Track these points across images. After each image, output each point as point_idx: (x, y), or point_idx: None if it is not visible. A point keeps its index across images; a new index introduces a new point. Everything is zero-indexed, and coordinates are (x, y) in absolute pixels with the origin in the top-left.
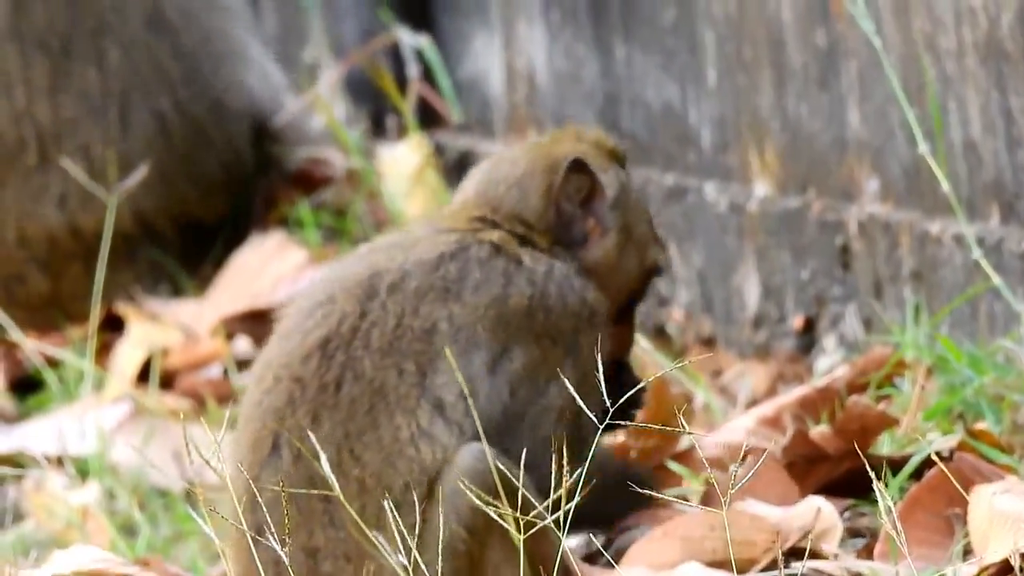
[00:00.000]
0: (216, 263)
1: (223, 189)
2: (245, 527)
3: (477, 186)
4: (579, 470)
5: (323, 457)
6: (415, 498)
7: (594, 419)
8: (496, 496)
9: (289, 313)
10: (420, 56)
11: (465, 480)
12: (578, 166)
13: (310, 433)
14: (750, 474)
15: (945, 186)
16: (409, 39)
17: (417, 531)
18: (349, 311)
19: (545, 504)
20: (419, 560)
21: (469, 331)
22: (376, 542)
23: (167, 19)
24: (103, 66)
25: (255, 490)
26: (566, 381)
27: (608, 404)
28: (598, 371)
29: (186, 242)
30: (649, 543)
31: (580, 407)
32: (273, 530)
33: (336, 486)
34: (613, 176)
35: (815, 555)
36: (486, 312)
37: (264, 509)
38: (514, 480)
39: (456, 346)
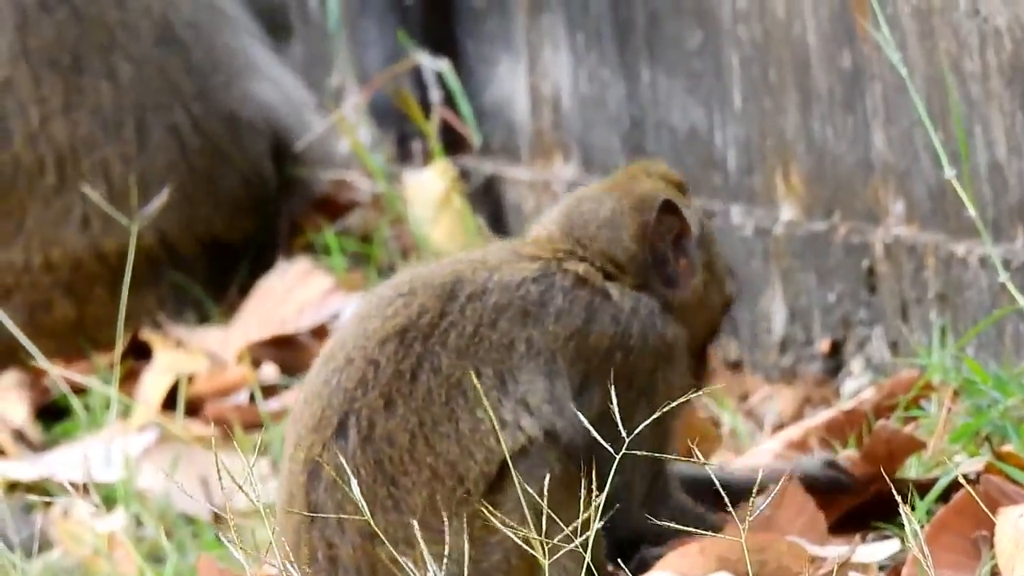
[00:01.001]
0: (241, 288)
1: (246, 210)
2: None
3: (561, 221)
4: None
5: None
6: (484, 486)
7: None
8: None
9: (368, 299)
10: (443, 82)
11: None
12: (668, 206)
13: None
14: (770, 498)
15: (972, 211)
16: (430, 62)
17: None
18: (429, 307)
19: (574, 526)
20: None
21: (547, 356)
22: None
23: (177, 34)
24: (116, 81)
25: (313, 470)
26: (644, 415)
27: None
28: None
29: (211, 265)
30: (682, 557)
31: (657, 439)
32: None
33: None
34: (695, 213)
35: None
36: (566, 343)
37: (324, 491)
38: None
39: (534, 364)
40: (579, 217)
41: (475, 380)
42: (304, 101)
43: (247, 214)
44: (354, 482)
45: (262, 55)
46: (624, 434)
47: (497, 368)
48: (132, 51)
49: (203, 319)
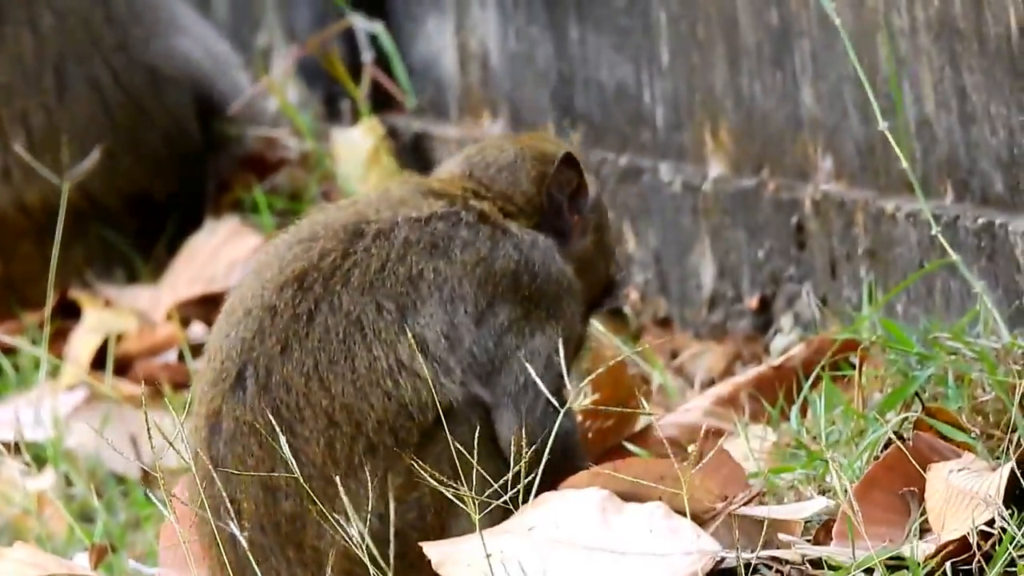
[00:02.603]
0: (170, 246)
1: (170, 165)
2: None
3: (464, 165)
4: (532, 449)
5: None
6: (392, 441)
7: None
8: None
9: (266, 249)
10: (374, 40)
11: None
12: (570, 161)
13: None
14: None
15: (904, 163)
16: (363, 24)
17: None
18: (331, 248)
19: (504, 479)
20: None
21: (455, 283)
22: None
23: None
24: (37, 31)
25: (214, 424)
26: (550, 334)
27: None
28: (574, 337)
29: (137, 221)
30: (595, 476)
31: (560, 361)
32: (230, 467)
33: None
34: (593, 180)
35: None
36: (473, 270)
37: (223, 444)
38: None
39: (440, 294)
40: (481, 160)
41: (372, 319)
42: (229, 59)
43: (171, 170)
44: (282, 438)
45: (185, 12)
46: (526, 345)
47: (400, 303)
48: (54, 1)
49: (131, 277)
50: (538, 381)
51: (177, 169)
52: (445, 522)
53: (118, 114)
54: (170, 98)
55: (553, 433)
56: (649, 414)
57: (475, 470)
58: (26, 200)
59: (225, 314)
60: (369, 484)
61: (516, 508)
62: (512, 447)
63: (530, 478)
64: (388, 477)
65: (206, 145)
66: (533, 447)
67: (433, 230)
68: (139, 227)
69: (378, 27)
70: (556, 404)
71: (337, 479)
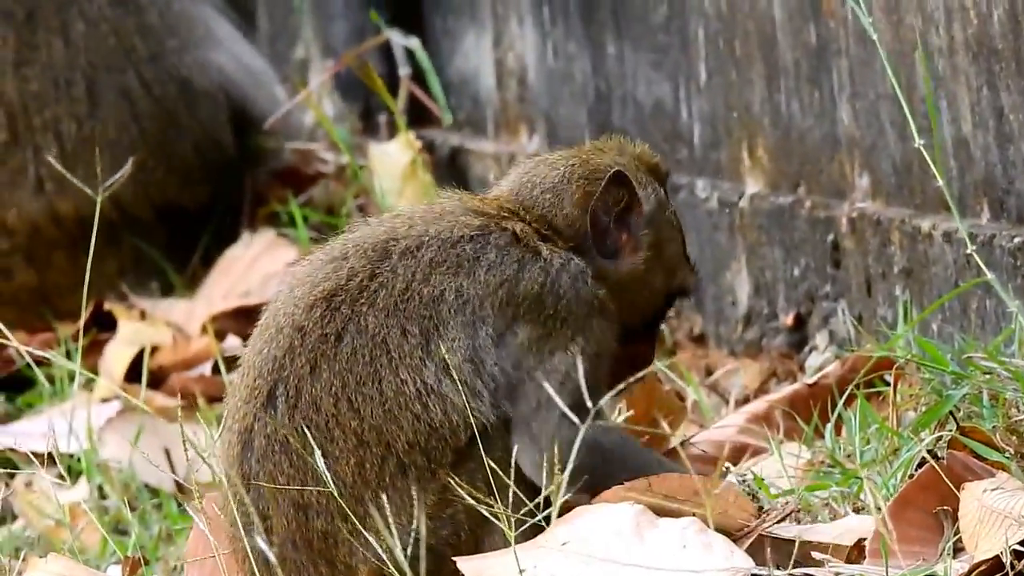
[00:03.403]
0: (205, 258)
1: (202, 175)
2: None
3: (512, 184)
4: (569, 467)
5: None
6: (424, 461)
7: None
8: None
9: (301, 266)
10: (411, 55)
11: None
12: (619, 179)
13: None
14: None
15: (941, 181)
16: (400, 39)
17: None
18: (359, 269)
19: (536, 501)
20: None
21: (476, 304)
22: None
23: None
24: (68, 39)
25: (246, 440)
26: (572, 352)
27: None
28: (607, 355)
29: (170, 232)
30: (629, 491)
31: (586, 379)
32: (263, 484)
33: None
34: (651, 192)
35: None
36: (496, 291)
37: (256, 462)
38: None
39: (461, 316)
40: (529, 180)
41: (397, 342)
42: (266, 74)
43: (203, 180)
44: (318, 452)
45: (222, 26)
46: (544, 364)
47: (424, 326)
48: (86, 9)
49: (166, 289)
50: (555, 397)
51: (210, 180)
52: (479, 539)
53: (149, 125)
54: (203, 110)
55: (575, 449)
56: (671, 434)
57: (511, 490)
58: (59, 211)
59: (259, 330)
60: (400, 502)
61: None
62: (533, 467)
63: (564, 498)
64: (420, 495)
65: (242, 158)
66: (560, 464)
67: (460, 251)
68: (171, 238)
69: (414, 42)
70: (575, 419)
71: (367, 497)
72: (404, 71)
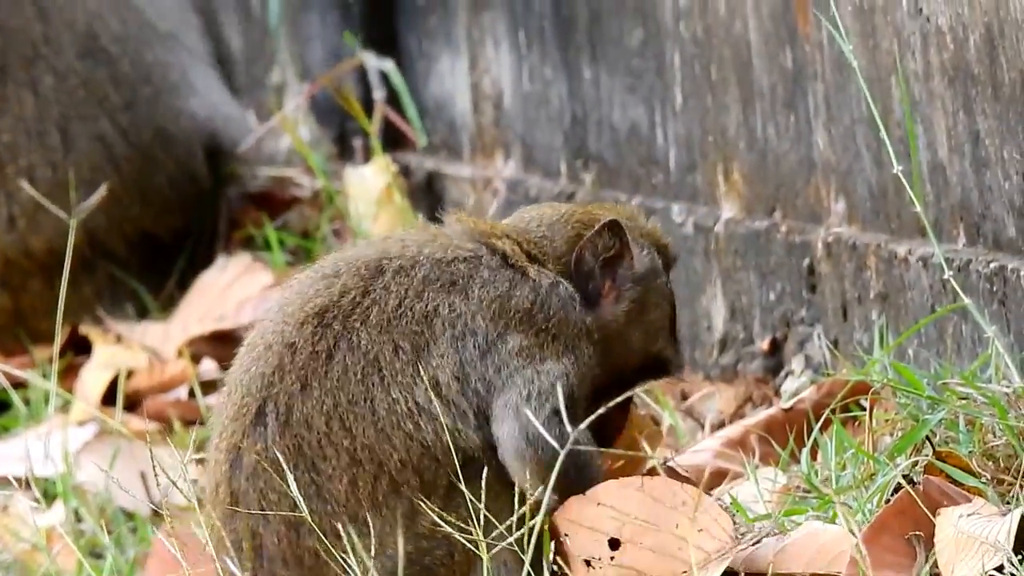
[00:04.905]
0: (180, 282)
1: (176, 206)
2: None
3: (514, 219)
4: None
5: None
6: (418, 481)
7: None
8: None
9: (291, 284)
10: (386, 78)
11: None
12: (613, 228)
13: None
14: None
15: (919, 206)
16: (374, 62)
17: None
18: (352, 286)
19: (510, 520)
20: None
21: (468, 319)
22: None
23: (102, 47)
24: (38, 92)
25: (234, 459)
26: (564, 364)
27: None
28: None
29: (144, 260)
30: (621, 488)
31: (574, 392)
32: (251, 502)
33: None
34: (647, 254)
35: None
36: (488, 306)
37: (245, 479)
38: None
39: (453, 331)
40: (531, 217)
41: (389, 359)
42: (242, 119)
43: (178, 212)
44: (290, 475)
45: (199, 71)
46: (535, 366)
47: (415, 342)
48: (55, 63)
49: (142, 312)
50: (557, 392)
51: (183, 210)
52: (472, 559)
53: (125, 166)
54: (178, 150)
55: (564, 451)
56: (651, 456)
57: (483, 514)
58: (31, 247)
59: (247, 348)
60: (393, 520)
61: (523, 549)
62: (516, 456)
63: (535, 521)
64: (413, 515)
65: (216, 182)
66: (543, 461)
67: (454, 270)
68: (146, 265)
69: (389, 65)
70: (565, 417)
71: (360, 515)
72: (379, 94)
